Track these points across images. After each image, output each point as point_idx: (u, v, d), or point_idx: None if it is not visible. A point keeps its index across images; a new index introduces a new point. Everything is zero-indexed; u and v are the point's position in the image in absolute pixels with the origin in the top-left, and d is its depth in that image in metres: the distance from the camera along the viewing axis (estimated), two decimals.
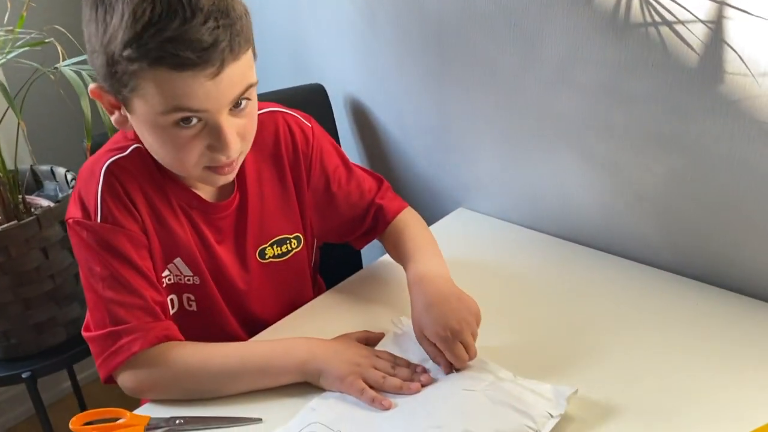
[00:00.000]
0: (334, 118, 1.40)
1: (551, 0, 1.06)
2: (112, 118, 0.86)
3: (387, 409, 0.82)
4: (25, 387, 1.38)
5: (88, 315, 0.92)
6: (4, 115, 1.28)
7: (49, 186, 1.51)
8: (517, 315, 1.02)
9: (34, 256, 1.33)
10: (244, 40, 0.79)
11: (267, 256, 1.03)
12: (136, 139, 0.91)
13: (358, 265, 1.39)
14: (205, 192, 0.96)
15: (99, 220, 0.87)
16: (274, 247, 1.03)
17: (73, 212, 0.90)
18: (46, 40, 1.26)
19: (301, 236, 1.06)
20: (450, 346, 0.85)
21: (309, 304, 1.08)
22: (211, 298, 0.99)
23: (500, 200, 1.28)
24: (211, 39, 0.75)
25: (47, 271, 1.36)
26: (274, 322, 1.04)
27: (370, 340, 0.95)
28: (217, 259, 0.98)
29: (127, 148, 0.91)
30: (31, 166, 1.50)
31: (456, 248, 1.11)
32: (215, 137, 0.82)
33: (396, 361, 0.89)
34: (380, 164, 1.46)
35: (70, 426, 0.84)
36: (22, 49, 1.23)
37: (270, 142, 1.01)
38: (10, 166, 1.35)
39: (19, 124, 1.20)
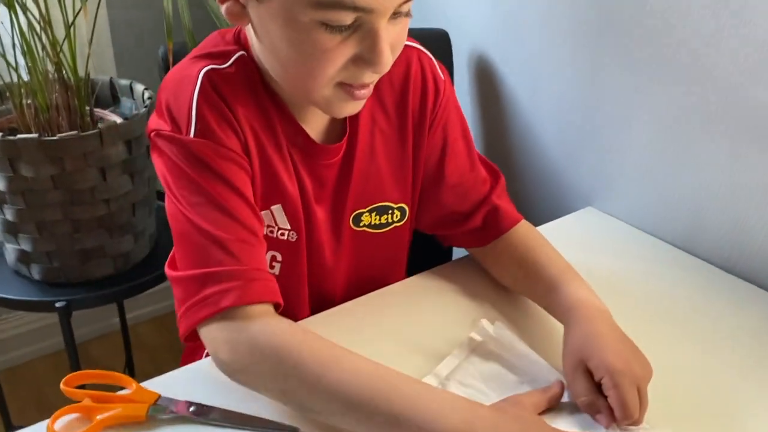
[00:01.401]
0: (454, 72, 1.17)
1: None
2: (223, 7, 0.66)
3: None
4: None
5: (174, 249, 0.71)
6: (77, 14, 1.12)
7: (125, 103, 1.36)
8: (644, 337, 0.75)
9: (90, 175, 1.17)
10: None
11: (362, 224, 0.82)
12: (239, 45, 0.72)
13: (446, 257, 1.16)
14: (313, 131, 0.76)
15: (193, 134, 0.67)
16: (373, 214, 0.82)
17: (158, 124, 0.70)
18: None
19: (406, 208, 0.84)
20: (625, 387, 0.63)
21: (390, 287, 0.87)
22: (298, 263, 0.79)
23: (640, 204, 1.02)
24: None
25: (103, 194, 1.20)
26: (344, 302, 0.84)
27: (551, 401, 0.67)
28: (312, 219, 0.78)
29: (230, 56, 0.71)
30: (111, 78, 1.35)
31: (577, 251, 0.86)
32: (368, 46, 0.63)
33: None
34: (499, 141, 1.21)
35: (61, 386, 0.66)
36: None
37: (397, 83, 0.79)
38: (82, 71, 1.20)
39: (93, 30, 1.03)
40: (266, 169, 0.73)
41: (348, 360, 0.63)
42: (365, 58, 0.64)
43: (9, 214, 1.19)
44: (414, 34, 1.15)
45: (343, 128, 0.78)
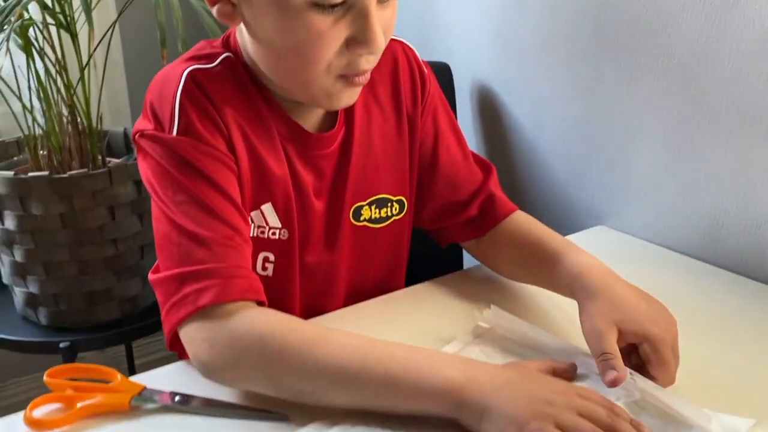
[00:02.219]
0: (456, 104, 1.18)
1: None
2: (214, 10, 0.68)
3: None
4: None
5: (158, 257, 0.70)
6: (90, 57, 1.17)
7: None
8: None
9: (99, 214, 1.19)
10: None
11: (362, 218, 0.81)
12: (226, 49, 0.74)
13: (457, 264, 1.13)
14: (306, 124, 0.76)
15: (176, 132, 0.67)
16: (372, 207, 0.81)
17: (142, 124, 0.70)
18: None
19: (405, 201, 0.84)
20: (667, 353, 0.62)
21: (396, 293, 0.85)
22: (291, 262, 0.77)
23: (651, 218, 0.99)
24: None
25: (111, 234, 1.21)
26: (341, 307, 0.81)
27: (557, 372, 0.64)
28: (309, 213, 0.77)
29: (216, 57, 0.72)
30: (125, 129, 1.39)
31: None
32: (360, 27, 0.64)
33: (609, 405, 0.57)
34: (506, 163, 1.21)
35: (45, 377, 0.64)
36: None
37: (387, 75, 0.80)
38: (96, 115, 1.24)
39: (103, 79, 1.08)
40: (256, 166, 0.72)
41: (333, 335, 0.61)
42: (359, 39, 0.65)
43: (18, 255, 1.19)
44: None
45: (335, 120, 0.78)
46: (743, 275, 0.89)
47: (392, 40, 0.80)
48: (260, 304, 0.65)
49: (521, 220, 0.83)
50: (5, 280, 1.26)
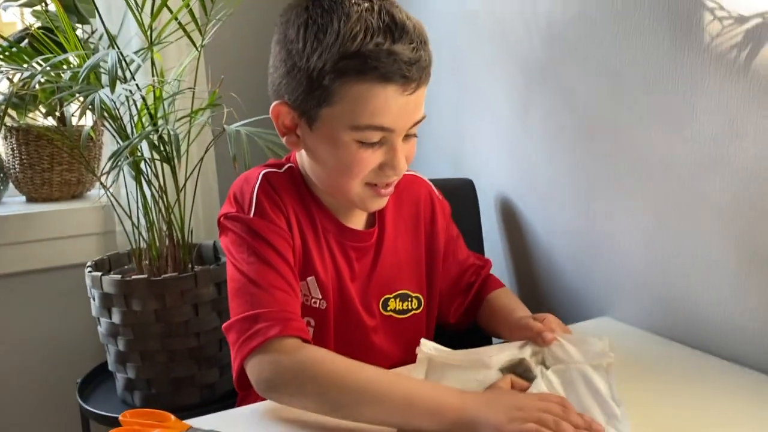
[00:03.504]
0: (480, 214, 1.37)
1: (701, 73, 0.97)
2: (284, 139, 0.93)
3: None
4: None
5: (230, 308, 0.91)
6: (185, 182, 1.45)
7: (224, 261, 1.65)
8: None
9: (185, 310, 1.43)
10: (430, 70, 0.87)
11: (389, 308, 1.01)
12: (288, 162, 0.99)
13: None
14: (347, 222, 0.99)
15: (252, 214, 0.91)
16: (397, 300, 1.02)
17: (227, 209, 0.95)
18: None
19: (422, 298, 1.04)
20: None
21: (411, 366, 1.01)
22: (326, 328, 0.97)
23: (649, 309, 1.11)
24: (416, 56, 0.83)
25: (194, 328, 1.44)
26: None
27: (515, 384, 0.86)
28: (346, 293, 0.98)
29: (282, 166, 0.98)
30: (214, 241, 1.67)
31: None
32: (389, 156, 0.88)
33: (565, 404, 0.78)
34: (523, 263, 1.37)
35: (120, 417, 0.84)
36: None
37: (412, 202, 1.05)
38: (188, 230, 1.51)
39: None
40: (303, 248, 0.95)
41: (367, 366, 0.81)
42: (388, 165, 0.89)
43: (121, 345, 1.44)
44: (444, 182, 1.40)
45: (372, 222, 1.01)
46: (729, 360, 0.98)
47: (422, 181, 1.08)
48: (306, 342, 0.86)
49: (505, 291, 1.07)
50: (110, 367, 1.51)
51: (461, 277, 1.08)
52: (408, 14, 0.85)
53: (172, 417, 0.84)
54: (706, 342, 1.02)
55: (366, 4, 0.83)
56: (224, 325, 0.89)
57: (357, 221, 1.00)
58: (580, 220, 1.22)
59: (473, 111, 1.45)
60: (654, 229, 1.08)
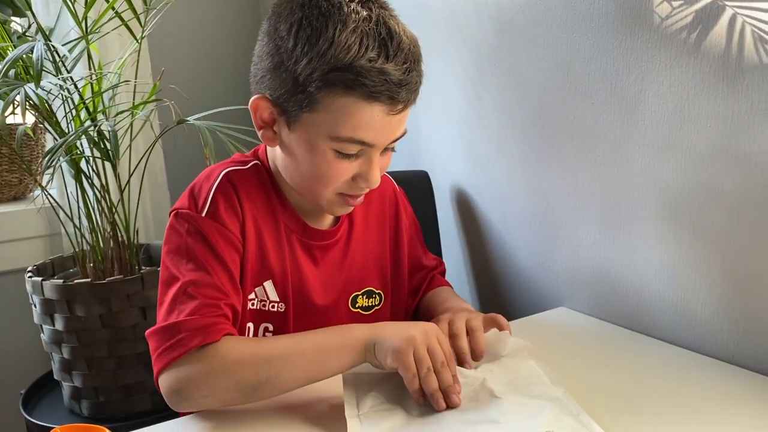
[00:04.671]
0: (435, 207, 1.34)
1: (650, 57, 0.95)
2: (260, 133, 0.88)
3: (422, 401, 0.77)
4: None
5: (158, 314, 0.87)
6: (127, 181, 1.39)
7: None
8: None
9: (132, 314, 1.37)
10: (419, 91, 0.84)
11: (357, 305, 0.99)
12: (255, 158, 0.94)
13: None
14: (312, 222, 0.95)
15: (204, 214, 0.87)
16: (364, 297, 1.00)
17: (181, 203, 0.90)
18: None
19: (383, 294, 1.02)
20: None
21: None
22: (287, 332, 0.93)
23: (604, 297, 1.09)
24: (407, 78, 0.80)
25: (143, 332, 1.37)
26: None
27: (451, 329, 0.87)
28: (307, 293, 0.94)
29: (247, 163, 0.93)
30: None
31: (549, 347, 0.96)
32: (364, 168, 0.85)
33: (449, 359, 0.80)
34: (480, 255, 1.34)
35: None
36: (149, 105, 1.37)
37: (379, 199, 1.03)
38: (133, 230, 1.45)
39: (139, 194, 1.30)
40: (261, 252, 0.90)
41: (271, 338, 0.84)
42: (363, 177, 0.85)
43: (66, 352, 1.38)
44: (399, 174, 1.37)
45: (337, 220, 0.98)
46: (672, 344, 0.98)
47: (388, 178, 1.05)
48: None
49: (438, 291, 1.05)
50: (56, 376, 1.45)
51: (413, 278, 1.06)
52: (405, 27, 0.81)
53: (107, 431, 0.79)
54: (659, 329, 1.00)
55: (364, 13, 0.78)
56: (147, 331, 0.85)
57: (323, 220, 0.97)
58: (535, 210, 1.20)
59: (427, 102, 1.42)
60: (607, 216, 1.06)
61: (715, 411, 0.79)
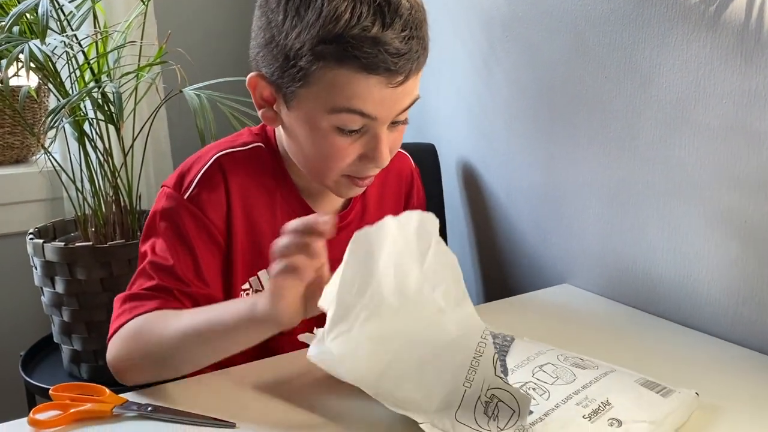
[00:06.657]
0: (442, 180, 1.32)
1: (666, 30, 0.93)
2: (260, 113, 0.84)
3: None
4: None
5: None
6: (132, 144, 1.38)
7: None
8: None
9: None
10: (426, 55, 0.78)
11: None
12: (261, 138, 0.90)
13: None
14: (320, 207, 0.92)
15: (186, 197, 0.85)
16: None
17: (169, 180, 0.88)
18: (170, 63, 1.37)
19: None
20: None
21: None
22: None
23: (608, 275, 1.08)
24: (406, 48, 0.73)
25: None
26: None
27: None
28: None
29: (248, 144, 0.89)
30: None
31: (552, 324, 0.95)
32: (371, 148, 0.80)
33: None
34: (484, 229, 1.33)
35: (50, 391, 0.78)
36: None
37: (396, 177, 0.99)
38: (136, 195, 1.44)
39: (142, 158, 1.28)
40: (252, 240, 0.87)
41: (176, 313, 0.79)
42: (369, 156, 0.80)
43: (66, 315, 1.37)
44: (408, 147, 1.35)
45: (347, 203, 0.94)
46: (677, 323, 0.97)
47: (404, 156, 1.01)
48: None
49: None
50: (55, 339, 1.44)
51: None
52: None
53: (107, 390, 0.78)
54: (663, 308, 0.99)
55: None
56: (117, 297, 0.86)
57: (332, 204, 0.93)
58: (541, 185, 1.18)
59: (435, 73, 1.40)
60: (615, 192, 1.04)
61: (721, 390, 0.78)
